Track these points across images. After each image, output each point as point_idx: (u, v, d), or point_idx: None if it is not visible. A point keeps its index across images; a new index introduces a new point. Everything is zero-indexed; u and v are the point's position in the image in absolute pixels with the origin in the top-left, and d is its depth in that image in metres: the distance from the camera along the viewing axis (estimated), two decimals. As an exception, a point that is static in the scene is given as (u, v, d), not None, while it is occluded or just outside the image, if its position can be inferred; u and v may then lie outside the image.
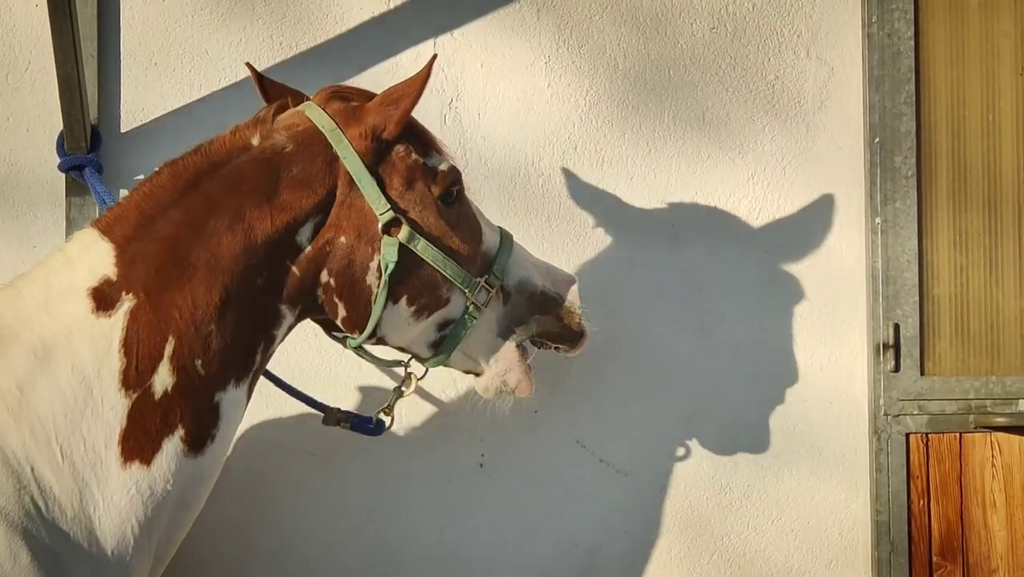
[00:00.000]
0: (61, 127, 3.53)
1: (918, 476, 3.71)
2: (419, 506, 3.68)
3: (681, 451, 3.74)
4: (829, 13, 3.78)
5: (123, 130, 3.65)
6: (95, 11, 3.62)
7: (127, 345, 2.58)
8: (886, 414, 3.71)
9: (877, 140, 3.72)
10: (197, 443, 2.66)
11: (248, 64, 3.16)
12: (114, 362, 2.57)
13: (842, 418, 3.76)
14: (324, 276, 2.80)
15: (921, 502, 3.71)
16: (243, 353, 2.72)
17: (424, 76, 2.86)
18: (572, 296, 3.15)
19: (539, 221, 3.72)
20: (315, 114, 2.83)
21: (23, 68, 3.64)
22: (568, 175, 3.74)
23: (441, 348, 2.97)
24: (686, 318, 3.75)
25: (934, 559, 3.71)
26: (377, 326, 2.86)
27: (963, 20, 3.79)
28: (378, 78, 3.67)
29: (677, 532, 3.73)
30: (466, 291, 2.90)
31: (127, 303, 2.60)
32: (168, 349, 2.61)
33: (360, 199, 2.79)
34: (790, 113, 3.77)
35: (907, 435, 3.71)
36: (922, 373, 3.72)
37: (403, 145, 2.87)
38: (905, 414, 3.71)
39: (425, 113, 3.68)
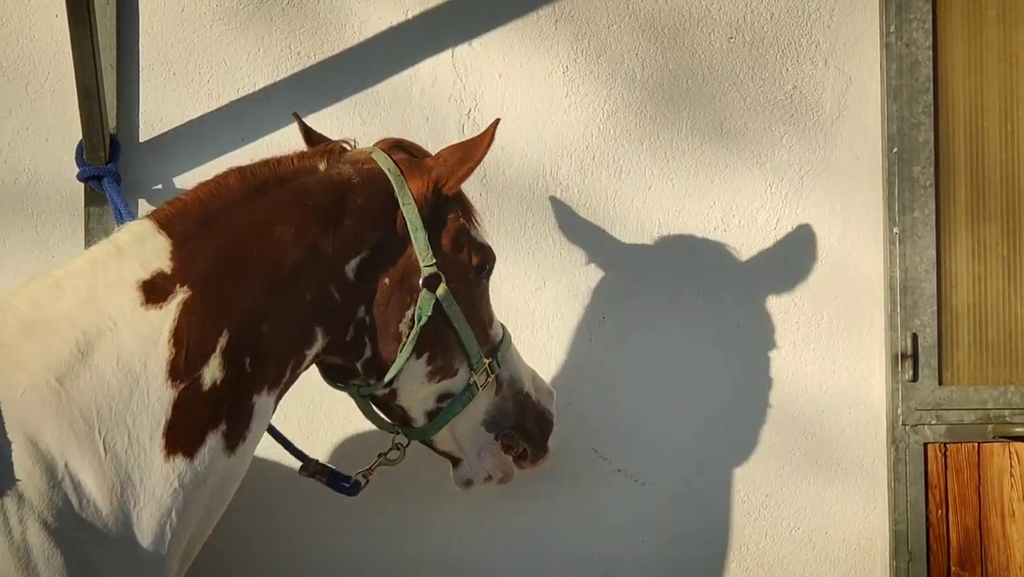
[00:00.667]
0: (80, 137, 3.54)
1: (936, 486, 3.70)
2: (436, 516, 3.68)
3: (698, 460, 3.73)
4: (847, 23, 3.78)
5: (142, 140, 3.66)
6: (114, 22, 3.63)
7: (178, 335, 2.59)
8: (904, 424, 3.70)
9: (895, 150, 3.72)
10: (233, 441, 2.68)
11: (295, 114, 3.18)
12: (162, 352, 2.57)
13: (860, 428, 3.75)
14: (361, 311, 2.84)
15: (939, 512, 3.70)
16: (281, 362, 2.75)
17: (488, 139, 2.92)
18: (552, 408, 3.27)
19: (556, 230, 3.73)
20: (381, 158, 2.90)
21: (43, 78, 3.65)
22: (586, 185, 3.74)
23: (436, 419, 3.04)
24: (703, 327, 3.75)
25: (952, 569, 3.70)
26: (397, 376, 2.90)
27: (981, 30, 3.78)
28: (396, 88, 3.69)
29: (694, 542, 3.73)
30: (473, 367, 2.98)
31: (181, 295, 2.61)
32: (222, 342, 2.63)
33: (410, 247, 2.86)
34: (808, 123, 3.77)
35: (925, 445, 3.71)
36: (940, 383, 3.72)
37: (452, 207, 2.95)
38: (923, 424, 3.71)
39: (443, 123, 3.71)
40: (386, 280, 2.84)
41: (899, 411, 3.70)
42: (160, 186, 3.63)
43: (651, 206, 3.74)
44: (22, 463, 2.39)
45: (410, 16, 3.72)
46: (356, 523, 3.67)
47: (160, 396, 2.56)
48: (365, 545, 3.68)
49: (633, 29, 3.76)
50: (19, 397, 2.44)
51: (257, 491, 3.60)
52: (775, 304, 3.75)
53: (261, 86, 3.67)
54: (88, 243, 3.51)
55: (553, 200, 3.73)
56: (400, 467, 3.64)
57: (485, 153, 2.92)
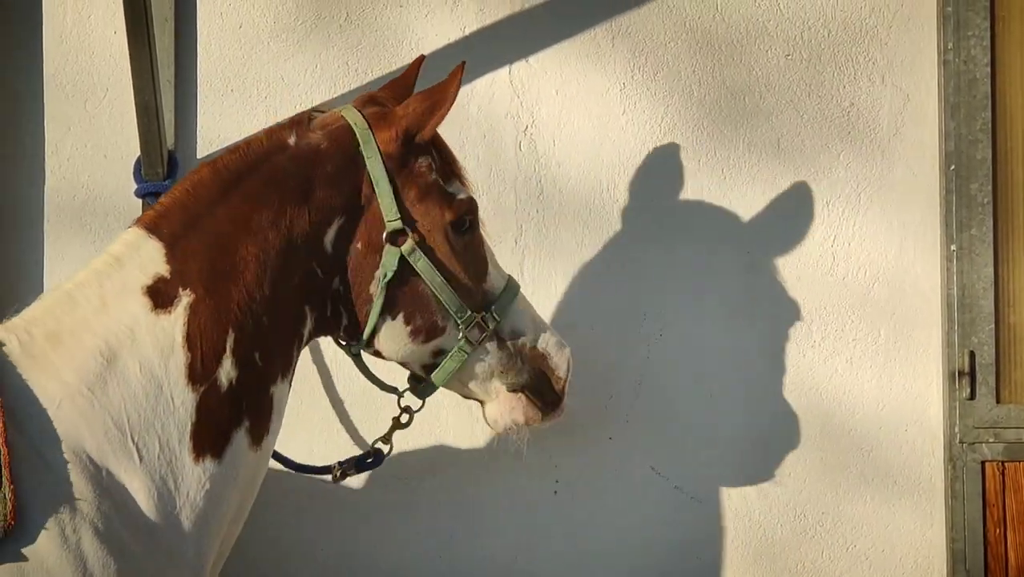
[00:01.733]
0: (138, 153, 3.55)
1: (994, 504, 3.69)
2: (493, 532, 3.69)
3: (755, 477, 3.72)
4: (904, 40, 3.77)
5: (199, 156, 3.68)
6: (172, 39, 3.65)
7: (190, 340, 2.62)
8: (961, 442, 3.69)
9: (953, 167, 3.71)
10: (258, 436, 2.71)
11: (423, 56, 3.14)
12: (179, 357, 2.60)
13: (917, 445, 3.74)
14: (336, 282, 2.84)
15: (997, 531, 3.68)
16: (286, 348, 2.77)
17: (457, 82, 2.87)
18: (562, 361, 3.11)
19: (613, 247, 3.72)
20: (350, 114, 2.86)
21: (101, 95, 3.66)
22: (643, 202, 3.73)
23: (434, 375, 2.97)
24: (760, 344, 3.74)
25: (1011, 588, 3.69)
26: (373, 336, 2.87)
27: (1040, 47, 3.77)
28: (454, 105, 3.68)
29: (751, 559, 3.72)
30: (460, 322, 2.89)
31: (185, 299, 2.63)
32: (230, 342, 2.65)
33: (377, 204, 2.81)
34: (865, 140, 3.76)
35: (983, 463, 3.68)
36: (998, 401, 3.69)
37: (426, 159, 2.89)
38: (981, 442, 3.69)
39: (500, 140, 3.71)
40: (359, 244, 2.82)
41: (956, 429, 3.69)
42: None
43: (708, 223, 3.74)
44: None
45: (467, 33, 3.72)
46: (412, 538, 3.68)
47: (183, 400, 2.59)
48: (417, 558, 3.68)
49: (690, 46, 3.75)
50: (56, 408, 2.48)
51: (310, 506, 3.62)
52: (832, 321, 3.74)
53: (318, 102, 3.67)
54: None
55: (610, 216, 3.73)
56: (455, 480, 3.67)
57: (454, 97, 2.86)
